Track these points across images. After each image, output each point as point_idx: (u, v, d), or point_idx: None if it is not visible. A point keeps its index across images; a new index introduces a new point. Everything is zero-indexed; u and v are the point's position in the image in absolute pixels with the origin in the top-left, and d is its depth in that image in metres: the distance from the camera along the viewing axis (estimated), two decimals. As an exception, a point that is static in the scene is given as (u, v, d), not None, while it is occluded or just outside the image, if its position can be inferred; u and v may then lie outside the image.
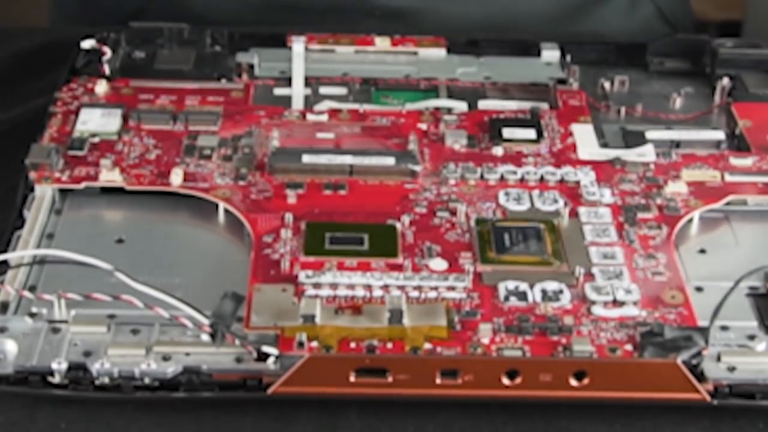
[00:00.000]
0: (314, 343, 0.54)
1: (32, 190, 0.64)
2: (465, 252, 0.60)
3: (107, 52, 0.74)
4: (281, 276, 0.58)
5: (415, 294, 0.57)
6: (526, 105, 0.73)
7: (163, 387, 0.53)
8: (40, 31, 0.88)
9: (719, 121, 0.73)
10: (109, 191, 0.64)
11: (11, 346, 0.54)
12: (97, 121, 0.69)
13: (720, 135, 0.70)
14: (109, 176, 0.64)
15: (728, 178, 0.66)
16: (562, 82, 0.75)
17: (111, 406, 0.54)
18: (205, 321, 0.53)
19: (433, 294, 0.57)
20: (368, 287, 0.57)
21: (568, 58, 0.77)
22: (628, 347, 0.54)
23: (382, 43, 0.79)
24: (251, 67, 0.76)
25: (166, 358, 0.53)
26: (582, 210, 0.63)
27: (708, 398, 0.53)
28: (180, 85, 0.73)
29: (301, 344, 0.53)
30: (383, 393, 0.53)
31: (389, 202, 0.63)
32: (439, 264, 0.59)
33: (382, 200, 0.64)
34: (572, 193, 0.65)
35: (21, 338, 0.54)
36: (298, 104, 0.73)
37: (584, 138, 0.69)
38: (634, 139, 0.69)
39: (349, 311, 0.56)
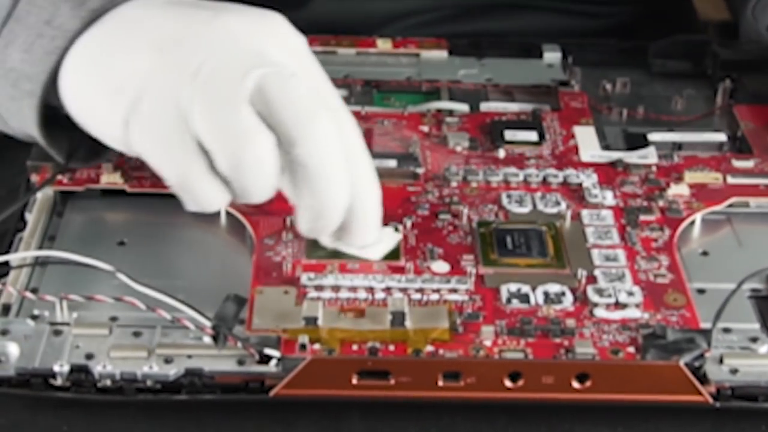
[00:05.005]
0: (316, 346, 0.54)
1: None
2: (467, 254, 0.60)
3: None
4: (283, 278, 0.58)
5: (417, 296, 0.57)
6: (528, 107, 0.73)
7: (165, 389, 0.53)
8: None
9: (721, 123, 0.73)
10: (110, 193, 0.64)
11: (13, 348, 0.53)
12: (98, 123, 0.68)
13: (722, 137, 0.70)
14: (111, 179, 0.64)
15: (730, 180, 0.66)
16: (563, 83, 0.75)
17: (113, 409, 0.54)
18: (207, 323, 0.53)
19: (435, 296, 0.57)
20: (370, 290, 0.57)
21: (570, 59, 0.77)
22: (631, 349, 0.54)
23: (383, 44, 0.79)
24: (252, 68, 0.76)
25: (168, 360, 0.53)
26: (584, 212, 0.63)
27: (710, 400, 0.53)
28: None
29: (303, 346, 0.53)
30: (386, 395, 0.53)
31: (391, 204, 0.63)
32: (441, 266, 0.59)
33: (384, 202, 0.63)
34: (574, 196, 0.64)
35: (23, 340, 0.54)
36: (299, 106, 0.73)
37: (586, 140, 0.69)
38: (636, 141, 0.69)
39: (352, 314, 0.56)
